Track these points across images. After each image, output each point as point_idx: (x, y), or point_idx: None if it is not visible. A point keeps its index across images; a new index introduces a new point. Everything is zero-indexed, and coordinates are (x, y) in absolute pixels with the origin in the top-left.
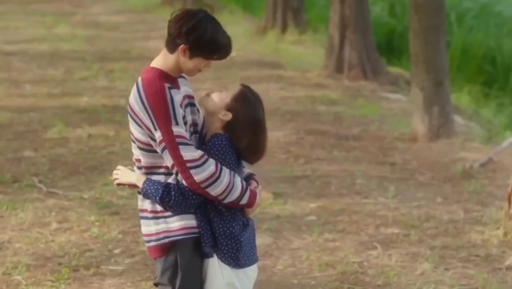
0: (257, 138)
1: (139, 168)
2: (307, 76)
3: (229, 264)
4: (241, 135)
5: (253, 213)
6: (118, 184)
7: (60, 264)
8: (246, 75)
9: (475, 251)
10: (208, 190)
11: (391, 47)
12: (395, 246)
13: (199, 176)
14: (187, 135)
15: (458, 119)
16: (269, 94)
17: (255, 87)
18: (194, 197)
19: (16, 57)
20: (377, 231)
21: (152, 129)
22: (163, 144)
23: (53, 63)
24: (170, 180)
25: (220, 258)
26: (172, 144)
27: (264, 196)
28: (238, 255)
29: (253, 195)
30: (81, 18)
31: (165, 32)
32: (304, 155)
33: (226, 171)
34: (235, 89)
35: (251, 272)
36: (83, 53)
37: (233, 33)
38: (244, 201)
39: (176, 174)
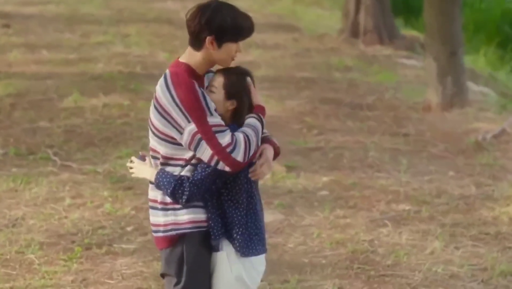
0: (250, 98)
1: (155, 157)
2: (323, 41)
3: (240, 252)
4: (245, 107)
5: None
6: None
7: (73, 242)
8: (262, 39)
9: (485, 229)
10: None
11: (408, 6)
12: (405, 223)
13: (239, 154)
14: (221, 122)
15: (472, 86)
16: (285, 60)
17: (271, 53)
18: (207, 186)
19: (33, 20)
20: (388, 207)
21: (181, 122)
22: (198, 136)
23: (70, 26)
24: (184, 172)
25: (234, 247)
26: (208, 134)
27: (277, 169)
28: (250, 244)
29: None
30: None
31: None
32: (318, 126)
33: (242, 133)
34: (219, 80)
35: (260, 265)
36: (99, 16)
37: None
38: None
39: (194, 166)
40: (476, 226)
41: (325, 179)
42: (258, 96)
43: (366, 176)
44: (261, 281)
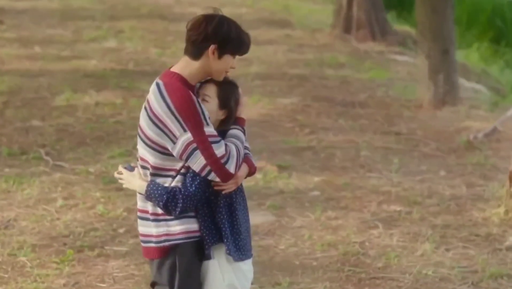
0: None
1: (144, 167)
2: (315, 36)
3: (232, 256)
4: (234, 117)
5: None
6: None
7: (65, 244)
8: (254, 35)
9: (476, 230)
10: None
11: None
12: (396, 225)
13: (232, 166)
14: (215, 132)
15: (464, 83)
16: (277, 56)
17: (264, 49)
18: (199, 197)
19: (26, 15)
20: (379, 208)
21: (176, 131)
22: (194, 145)
23: (63, 22)
24: (174, 182)
25: (228, 250)
26: (205, 143)
27: (268, 169)
28: (242, 248)
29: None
30: None
31: None
32: (310, 124)
33: (233, 144)
34: (212, 88)
35: (249, 273)
36: (93, 11)
37: None
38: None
39: (184, 176)
40: (467, 228)
41: (316, 179)
42: (243, 109)
43: (357, 176)
44: (252, 284)
